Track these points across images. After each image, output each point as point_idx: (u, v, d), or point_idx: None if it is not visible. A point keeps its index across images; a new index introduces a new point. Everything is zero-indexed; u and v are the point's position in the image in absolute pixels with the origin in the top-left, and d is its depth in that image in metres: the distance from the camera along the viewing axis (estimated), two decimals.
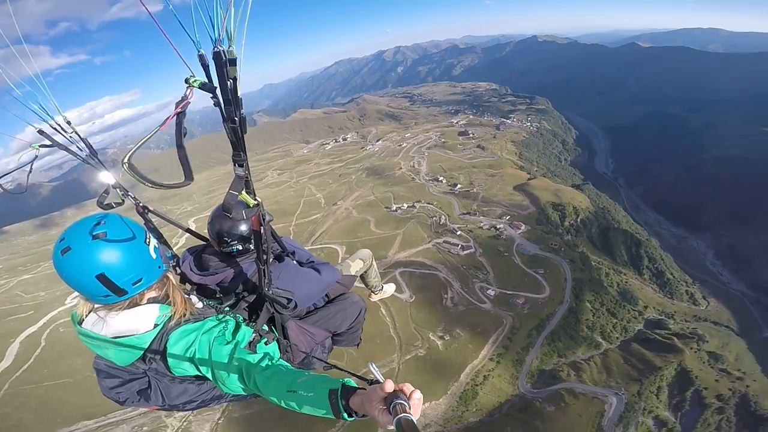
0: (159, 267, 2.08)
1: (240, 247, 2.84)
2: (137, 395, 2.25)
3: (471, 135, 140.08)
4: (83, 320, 2.09)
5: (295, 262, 3.16)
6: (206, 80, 1.62)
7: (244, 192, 1.96)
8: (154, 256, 2.04)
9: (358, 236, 77.77)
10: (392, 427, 1.30)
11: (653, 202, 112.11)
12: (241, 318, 2.53)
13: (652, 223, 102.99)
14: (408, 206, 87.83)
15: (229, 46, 1.48)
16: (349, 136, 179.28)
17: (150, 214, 2.88)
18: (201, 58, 1.54)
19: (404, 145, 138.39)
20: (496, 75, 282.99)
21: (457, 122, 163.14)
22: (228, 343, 2.10)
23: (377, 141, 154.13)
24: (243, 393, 2.09)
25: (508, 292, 62.26)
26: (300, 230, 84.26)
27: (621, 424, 46.58)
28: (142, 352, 2.04)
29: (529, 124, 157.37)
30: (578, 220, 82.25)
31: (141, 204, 2.79)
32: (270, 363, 1.97)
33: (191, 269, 2.87)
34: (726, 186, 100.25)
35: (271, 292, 2.57)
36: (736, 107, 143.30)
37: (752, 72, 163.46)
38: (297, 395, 1.70)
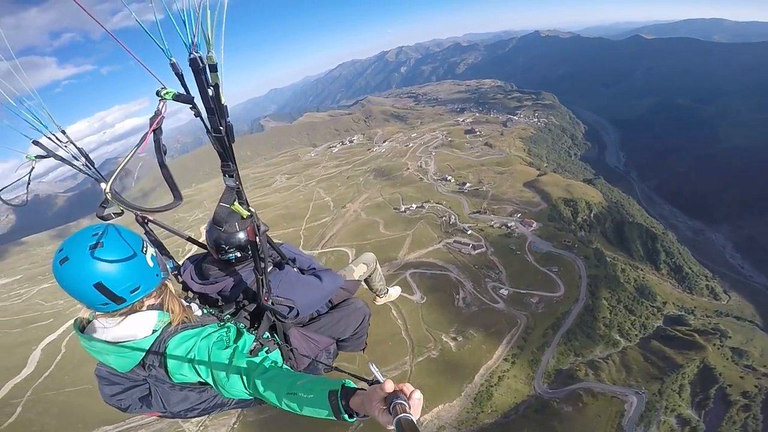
0: (157, 275, 2.09)
1: (238, 255, 2.82)
2: (139, 402, 2.25)
3: (478, 133, 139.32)
4: (85, 327, 2.13)
5: (296, 269, 3.13)
6: (181, 91, 1.57)
7: (236, 203, 1.93)
8: (151, 264, 2.04)
9: (368, 238, 77.72)
10: (392, 427, 1.31)
11: (667, 195, 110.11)
12: (243, 326, 2.49)
13: (668, 215, 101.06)
14: (417, 207, 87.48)
15: (208, 51, 1.41)
16: (355, 138, 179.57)
17: (150, 224, 2.81)
18: (173, 67, 1.46)
19: (411, 145, 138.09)
20: (500, 71, 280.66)
21: (463, 120, 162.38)
22: (227, 347, 2.10)
23: (384, 142, 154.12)
24: (244, 398, 2.09)
25: (521, 291, 61.49)
26: (310, 234, 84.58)
27: (642, 424, 45.52)
28: (141, 357, 2.05)
29: (536, 119, 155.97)
30: (591, 215, 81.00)
31: (141, 214, 2.65)
32: (270, 366, 1.98)
33: (192, 278, 2.88)
34: (742, 175, 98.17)
35: (270, 302, 2.55)
36: (745, 97, 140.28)
37: (759, 61, 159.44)
38: (297, 397, 1.72)
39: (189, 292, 2.92)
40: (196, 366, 2.03)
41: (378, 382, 1.52)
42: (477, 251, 69.63)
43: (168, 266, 2.78)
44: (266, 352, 2.35)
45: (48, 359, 55.12)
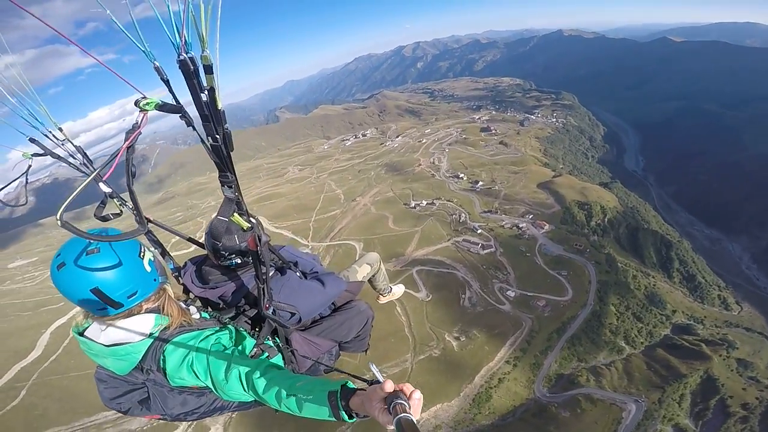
0: (154, 280, 2.10)
1: (239, 261, 2.76)
2: (139, 405, 2.27)
3: (493, 131, 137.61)
4: (84, 330, 2.12)
5: (298, 273, 3.08)
6: (164, 101, 1.40)
7: (236, 214, 1.86)
8: (148, 269, 2.05)
9: (376, 233, 77.90)
10: (392, 427, 1.32)
11: (686, 202, 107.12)
12: (243, 330, 2.52)
13: (684, 223, 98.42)
14: (427, 203, 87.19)
15: (203, 51, 1.25)
16: (368, 132, 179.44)
17: (150, 224, 2.78)
18: (158, 71, 1.33)
19: (424, 141, 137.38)
20: (520, 70, 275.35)
21: (479, 118, 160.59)
22: (226, 349, 2.12)
23: (397, 137, 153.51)
24: (243, 400, 2.09)
25: (528, 294, 60.97)
26: (319, 226, 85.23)
27: None
28: (138, 360, 2.06)
29: (554, 120, 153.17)
30: (605, 220, 79.50)
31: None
32: (269, 368, 1.98)
33: (192, 281, 2.84)
34: (766, 184, 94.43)
35: (271, 309, 2.49)
36: None
37: None
38: (297, 398, 1.71)
39: (189, 294, 2.90)
40: (195, 368, 2.03)
41: (378, 382, 1.52)
42: (486, 251, 69.20)
43: (168, 267, 2.87)
44: (267, 357, 2.39)
45: (56, 343, 55.63)
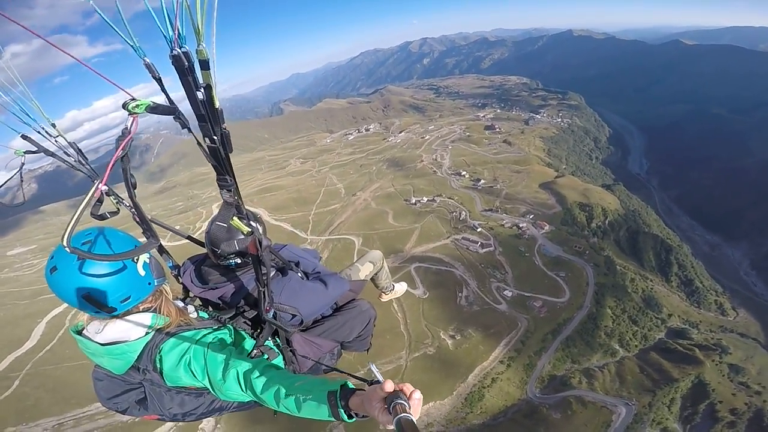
0: (149, 283, 2.06)
1: (239, 261, 2.71)
2: (136, 405, 2.25)
3: (497, 129, 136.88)
4: (83, 329, 2.11)
5: (299, 274, 3.04)
6: (156, 102, 1.30)
7: (236, 218, 1.77)
8: (142, 273, 2.00)
9: (376, 228, 77.89)
10: (392, 427, 1.31)
11: (688, 207, 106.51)
12: (243, 330, 2.51)
13: (686, 228, 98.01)
14: (428, 200, 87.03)
15: (198, 45, 1.14)
16: (372, 126, 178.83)
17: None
18: (149, 68, 1.26)
19: (427, 137, 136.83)
20: (528, 69, 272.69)
21: (483, 116, 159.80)
22: (224, 349, 2.08)
23: (400, 132, 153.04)
24: (242, 400, 2.07)
25: (525, 294, 60.90)
26: (319, 219, 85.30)
27: None
28: (133, 359, 2.05)
29: (559, 119, 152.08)
30: (606, 222, 79.25)
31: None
32: (267, 368, 1.95)
33: (192, 281, 2.80)
34: None
35: (272, 312, 2.43)
36: None
37: None
38: (295, 398, 1.70)
39: (189, 293, 2.86)
40: (192, 368, 2.01)
41: (378, 382, 1.51)
42: (485, 250, 69.08)
43: (167, 265, 2.83)
44: (267, 359, 2.33)
45: (51, 332, 55.51)
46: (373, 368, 1.66)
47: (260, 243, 1.97)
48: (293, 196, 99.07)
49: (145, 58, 1.22)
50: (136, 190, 1.58)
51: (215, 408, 2.45)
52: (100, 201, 2.04)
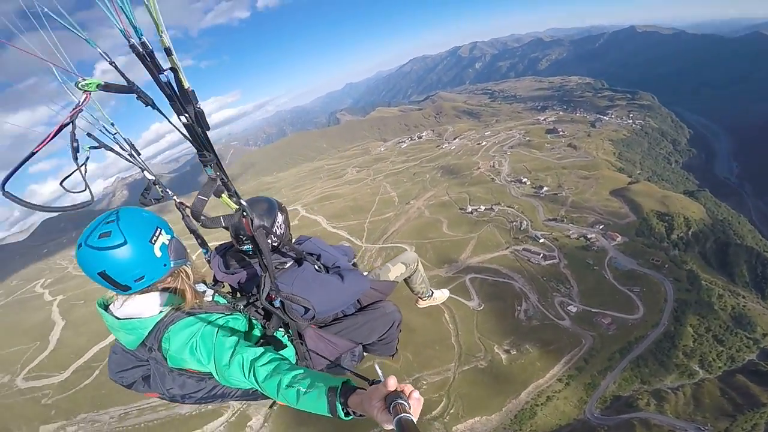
0: (165, 265, 2.10)
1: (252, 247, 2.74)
2: (142, 381, 2.35)
3: (561, 133, 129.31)
4: (109, 305, 2.25)
5: (316, 267, 2.92)
6: (109, 82, 1.47)
7: (224, 195, 1.86)
8: (159, 254, 2.04)
9: (429, 237, 77.08)
10: (392, 427, 1.32)
11: None
12: (255, 319, 2.52)
13: None
14: (485, 208, 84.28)
15: (159, 35, 1.28)
16: (424, 134, 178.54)
17: (188, 210, 2.80)
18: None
19: (484, 143, 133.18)
20: (589, 68, 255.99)
21: (544, 119, 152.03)
22: (234, 334, 2.11)
23: (454, 139, 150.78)
24: (244, 387, 2.11)
25: (592, 310, 56.25)
26: (373, 228, 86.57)
27: None
28: (144, 336, 2.13)
29: (630, 121, 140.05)
30: (689, 233, 70.95)
31: (179, 201, 2.79)
32: (273, 358, 1.96)
33: (218, 266, 2.90)
34: None
35: (278, 300, 2.44)
36: None
37: None
38: (295, 390, 1.72)
39: (214, 276, 2.96)
40: (199, 350, 2.04)
41: (380, 382, 1.52)
42: (548, 262, 65.12)
43: (203, 252, 3.10)
44: (274, 350, 2.33)
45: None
46: (377, 368, 1.66)
47: (252, 221, 1.99)
48: (350, 204, 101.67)
49: (97, 47, 1.36)
50: (78, 152, 1.74)
51: (216, 394, 2.47)
52: (147, 189, 2.34)
